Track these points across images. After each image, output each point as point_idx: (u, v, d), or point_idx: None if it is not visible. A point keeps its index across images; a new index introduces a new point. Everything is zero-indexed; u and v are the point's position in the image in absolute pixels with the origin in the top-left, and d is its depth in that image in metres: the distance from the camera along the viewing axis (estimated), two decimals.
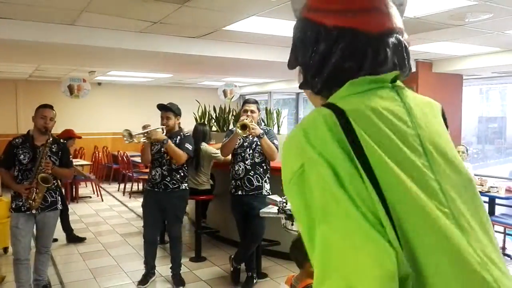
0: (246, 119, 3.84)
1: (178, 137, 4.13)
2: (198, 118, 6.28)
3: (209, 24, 4.30)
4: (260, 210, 3.36)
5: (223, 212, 5.07)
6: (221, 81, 9.66)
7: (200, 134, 4.97)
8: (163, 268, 4.43)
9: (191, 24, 4.30)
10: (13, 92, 9.93)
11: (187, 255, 4.99)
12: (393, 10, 0.87)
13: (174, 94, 11.38)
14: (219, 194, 5.16)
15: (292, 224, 2.94)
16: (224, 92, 8.65)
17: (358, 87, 0.82)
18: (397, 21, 0.87)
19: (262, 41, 5.12)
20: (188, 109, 7.64)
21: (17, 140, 3.73)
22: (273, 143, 3.93)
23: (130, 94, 11.07)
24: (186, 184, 4.22)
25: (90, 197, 8.80)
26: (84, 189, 9.30)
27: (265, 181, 4.03)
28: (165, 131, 4.04)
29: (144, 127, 3.98)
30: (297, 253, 2.34)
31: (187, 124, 6.37)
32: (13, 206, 3.67)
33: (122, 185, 9.35)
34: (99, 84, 10.62)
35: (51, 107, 3.83)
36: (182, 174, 4.16)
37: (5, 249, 5.04)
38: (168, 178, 4.07)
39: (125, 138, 3.93)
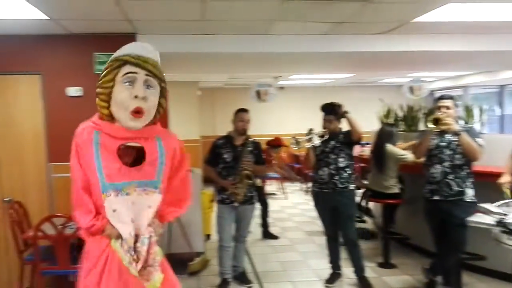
0: (440, 113, 3.51)
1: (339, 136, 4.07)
2: (382, 117, 6.02)
3: (395, 18, 4.06)
4: (467, 219, 3.00)
5: (415, 218, 4.66)
6: (406, 77, 9.09)
7: (386, 135, 4.77)
8: (349, 270, 4.39)
9: (375, 21, 4.14)
10: (211, 99, 11.32)
11: (374, 260, 4.85)
12: None
13: (355, 94, 11.28)
14: (410, 198, 4.79)
15: (509, 238, 2.54)
16: (411, 88, 8.08)
17: None
18: None
19: (460, 30, 4.59)
20: (370, 108, 7.48)
21: (220, 141, 4.21)
22: (476, 142, 3.48)
23: (310, 96, 11.40)
24: (354, 185, 4.10)
25: (275, 194, 9.39)
26: (269, 187, 9.98)
27: (468, 186, 3.55)
28: (327, 135, 3.99)
29: (309, 132, 3.99)
30: None
31: (370, 124, 6.21)
32: (219, 199, 4.15)
33: (303, 184, 9.70)
34: (282, 88, 11.25)
35: (247, 110, 4.21)
36: (349, 172, 4.06)
37: (208, 236, 5.74)
38: (337, 177, 4.02)
39: (294, 145, 4.00)
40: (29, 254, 3.86)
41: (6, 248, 4.20)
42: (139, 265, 2.01)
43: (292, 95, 11.50)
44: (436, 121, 3.43)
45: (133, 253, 2.01)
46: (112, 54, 2.03)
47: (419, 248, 5.05)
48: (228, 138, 4.19)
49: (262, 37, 4.55)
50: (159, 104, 2.05)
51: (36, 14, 3.44)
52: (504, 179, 3.40)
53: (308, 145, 3.99)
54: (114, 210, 2.01)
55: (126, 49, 2.02)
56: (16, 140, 4.19)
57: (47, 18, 3.59)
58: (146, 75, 1.96)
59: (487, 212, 2.82)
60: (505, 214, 2.74)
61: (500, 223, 2.66)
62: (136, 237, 2.03)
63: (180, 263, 4.69)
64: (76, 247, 3.72)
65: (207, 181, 4.67)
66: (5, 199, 4.15)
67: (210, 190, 5.75)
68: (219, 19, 3.90)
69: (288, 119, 11.43)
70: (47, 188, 4.24)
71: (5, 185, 4.19)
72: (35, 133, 4.20)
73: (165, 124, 4.58)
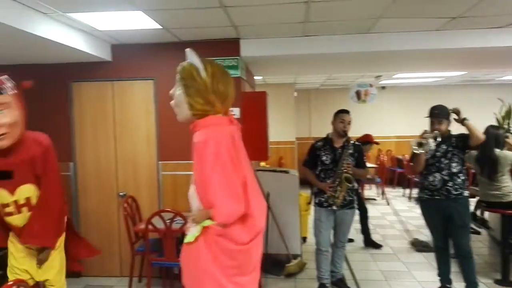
0: None
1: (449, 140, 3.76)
2: (500, 119, 5.44)
3: None
4: None
5: None
6: None
7: (492, 139, 4.32)
8: (460, 285, 4.01)
9: (496, 14, 3.75)
10: (307, 100, 11.25)
11: (491, 276, 4.40)
12: None
13: (467, 93, 10.37)
14: None
15: None
16: None
17: None
18: None
19: None
20: (487, 109, 6.79)
21: (318, 143, 4.15)
22: None
23: (415, 96, 10.73)
24: (467, 192, 3.75)
25: (375, 199, 9.01)
26: (368, 191, 9.60)
27: None
28: (439, 138, 3.68)
29: (424, 134, 3.70)
30: None
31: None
32: (316, 202, 4.09)
33: (407, 190, 9.17)
34: (383, 88, 10.77)
35: (348, 112, 4.09)
36: (463, 178, 3.71)
37: (304, 239, 5.69)
38: (450, 183, 3.69)
39: (416, 149, 3.66)
40: (140, 245, 4.21)
41: (119, 239, 4.63)
42: None
43: (395, 95, 10.93)
44: None
45: None
46: (217, 59, 2.28)
47: None
48: (327, 140, 4.11)
49: (364, 36, 4.42)
50: (188, 102, 2.30)
51: (152, 24, 3.74)
52: None
53: (420, 149, 3.68)
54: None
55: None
56: (131, 139, 4.60)
57: (161, 27, 3.88)
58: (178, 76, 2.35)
59: None
60: None
61: None
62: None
63: (276, 264, 4.74)
64: (181, 241, 3.98)
65: (304, 183, 4.63)
66: (120, 193, 4.59)
67: (307, 192, 5.73)
68: (322, 20, 3.86)
69: (389, 121, 10.89)
70: (156, 184, 4.59)
71: (120, 180, 4.62)
72: (148, 133, 4.57)
73: (263, 123, 4.68)
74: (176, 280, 4.22)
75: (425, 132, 3.72)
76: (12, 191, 2.74)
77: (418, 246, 5.50)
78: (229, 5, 3.30)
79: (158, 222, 3.75)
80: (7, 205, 2.76)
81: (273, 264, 4.76)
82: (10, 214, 2.79)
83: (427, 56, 5.10)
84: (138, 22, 3.69)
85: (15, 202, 2.77)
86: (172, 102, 2.37)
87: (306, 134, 10.79)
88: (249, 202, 2.21)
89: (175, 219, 3.71)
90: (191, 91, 2.28)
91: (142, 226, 3.95)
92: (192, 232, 2.22)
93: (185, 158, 4.48)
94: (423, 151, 3.66)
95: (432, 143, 3.63)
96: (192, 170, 2.26)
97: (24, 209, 2.80)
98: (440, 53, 4.76)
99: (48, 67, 4.52)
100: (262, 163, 6.84)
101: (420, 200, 4.03)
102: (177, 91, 2.33)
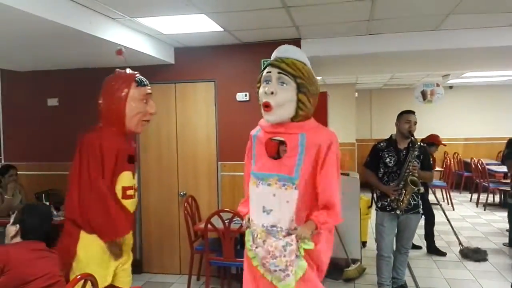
0: None
1: None
2: None
3: None
4: None
5: None
6: None
7: None
8: None
9: None
10: (368, 101, 10.92)
11: None
12: None
13: None
14: None
15: None
16: None
17: None
18: None
19: None
20: None
21: (381, 144, 3.99)
22: None
23: (484, 96, 10.06)
24: None
25: (440, 204, 8.54)
26: (431, 196, 9.12)
27: None
28: None
29: None
30: None
31: None
32: (379, 206, 3.94)
33: (475, 195, 8.61)
34: (451, 87, 10.19)
35: (413, 112, 3.91)
36: None
37: (364, 243, 5.51)
38: None
39: None
40: (199, 244, 4.29)
41: (180, 237, 4.75)
42: (270, 261, 2.15)
43: (463, 95, 10.30)
44: None
45: (262, 248, 2.17)
46: None
47: None
48: (391, 141, 3.95)
49: (431, 33, 4.20)
50: (299, 100, 2.16)
51: (214, 27, 3.80)
52: None
53: None
54: (252, 199, 2.25)
55: (274, 53, 2.29)
56: (192, 140, 4.70)
57: (222, 30, 3.93)
58: (279, 73, 2.15)
59: None
60: None
61: None
62: (271, 230, 2.17)
63: (335, 268, 4.64)
64: (239, 242, 4.01)
65: (365, 186, 4.48)
66: (181, 193, 4.71)
67: (367, 196, 5.55)
68: (388, 17, 3.73)
69: (456, 122, 10.28)
70: (216, 184, 4.66)
71: (181, 180, 4.74)
72: (208, 134, 4.66)
73: (323, 124, 4.61)
74: (233, 280, 4.29)
75: None
76: (134, 175, 2.95)
77: (469, 254, 5.15)
78: (291, 5, 3.27)
79: (217, 222, 3.81)
80: (130, 188, 2.89)
81: (332, 268, 4.67)
82: (130, 197, 2.90)
83: (499, 53, 4.79)
84: (200, 25, 3.75)
85: (134, 185, 2.93)
86: (273, 100, 2.15)
87: (367, 135, 10.48)
88: None
89: (233, 219, 3.74)
90: (307, 90, 2.18)
91: (201, 225, 4.02)
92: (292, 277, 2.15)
93: (243, 158, 4.52)
94: None
95: None
96: (292, 174, 2.15)
97: (136, 194, 2.97)
98: None
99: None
100: None
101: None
102: (284, 89, 2.16)
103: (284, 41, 4.36)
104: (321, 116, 4.55)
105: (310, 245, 2.15)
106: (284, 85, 2.15)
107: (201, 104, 4.67)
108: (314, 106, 2.26)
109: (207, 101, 4.64)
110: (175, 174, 4.75)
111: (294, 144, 2.16)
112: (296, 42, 4.34)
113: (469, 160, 9.07)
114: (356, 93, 9.84)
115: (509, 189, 5.52)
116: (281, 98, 2.15)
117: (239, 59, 4.55)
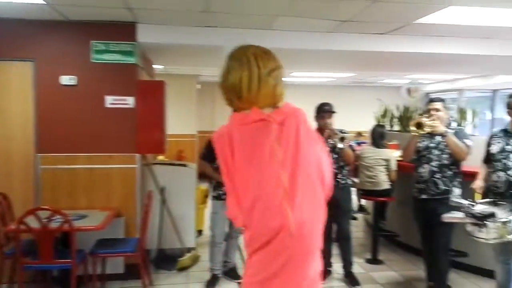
0: (425, 117, 3.53)
1: None
2: (379, 117, 5.98)
3: (400, 18, 3.99)
4: (443, 215, 3.04)
5: (404, 216, 4.83)
6: (404, 79, 9.03)
7: (377, 136, 4.91)
8: (338, 266, 4.40)
9: (381, 20, 4.06)
10: (211, 93, 10.93)
11: (363, 256, 4.95)
12: None
13: (354, 93, 11.20)
14: (401, 197, 4.92)
15: (480, 231, 2.60)
16: (408, 90, 7.96)
17: None
18: None
19: (457, 33, 4.56)
20: (369, 108, 7.38)
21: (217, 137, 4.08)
22: (463, 143, 3.47)
23: (309, 94, 11.23)
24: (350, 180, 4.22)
25: None
26: None
27: (455, 185, 3.56)
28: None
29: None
30: None
31: (368, 124, 6.15)
32: (214, 195, 4.07)
33: None
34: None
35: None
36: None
37: (200, 232, 5.64)
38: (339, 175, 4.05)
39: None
40: (10, 248, 3.71)
41: None
42: None
43: (290, 92, 11.22)
44: (419, 125, 3.46)
45: None
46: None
47: (408, 246, 5.19)
48: None
49: (265, 32, 4.42)
50: None
51: None
52: (476, 184, 3.40)
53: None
54: None
55: None
56: (3, 128, 4.04)
57: (44, 3, 3.44)
58: None
59: (458, 205, 2.86)
60: (472, 205, 2.78)
61: (468, 214, 2.71)
62: None
63: (170, 258, 4.61)
64: (61, 242, 3.61)
65: (202, 176, 4.55)
66: None
67: (204, 186, 5.65)
68: (223, 11, 3.79)
69: None
70: (32, 179, 4.10)
71: None
72: (24, 122, 4.05)
73: (159, 114, 4.46)
74: (56, 284, 3.88)
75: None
76: None
77: None
78: None
79: (34, 222, 3.32)
80: None
81: (166, 259, 4.65)
82: None
83: (320, 56, 5.34)
84: None
85: None
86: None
87: (210, 127, 10.63)
88: None
89: (53, 218, 3.32)
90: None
91: (13, 226, 3.48)
92: None
93: (71, 150, 4.09)
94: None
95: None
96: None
97: None
98: (331, 54, 5.03)
99: None
100: (160, 157, 6.57)
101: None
102: None
103: (117, 23, 4.11)
104: (158, 106, 4.40)
105: None
106: None
107: (15, 87, 4.03)
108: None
109: (24, 83, 4.03)
110: None
111: None
112: (131, 26, 4.08)
113: None
114: (199, 85, 9.87)
115: None
116: None
117: (65, 39, 4.07)
